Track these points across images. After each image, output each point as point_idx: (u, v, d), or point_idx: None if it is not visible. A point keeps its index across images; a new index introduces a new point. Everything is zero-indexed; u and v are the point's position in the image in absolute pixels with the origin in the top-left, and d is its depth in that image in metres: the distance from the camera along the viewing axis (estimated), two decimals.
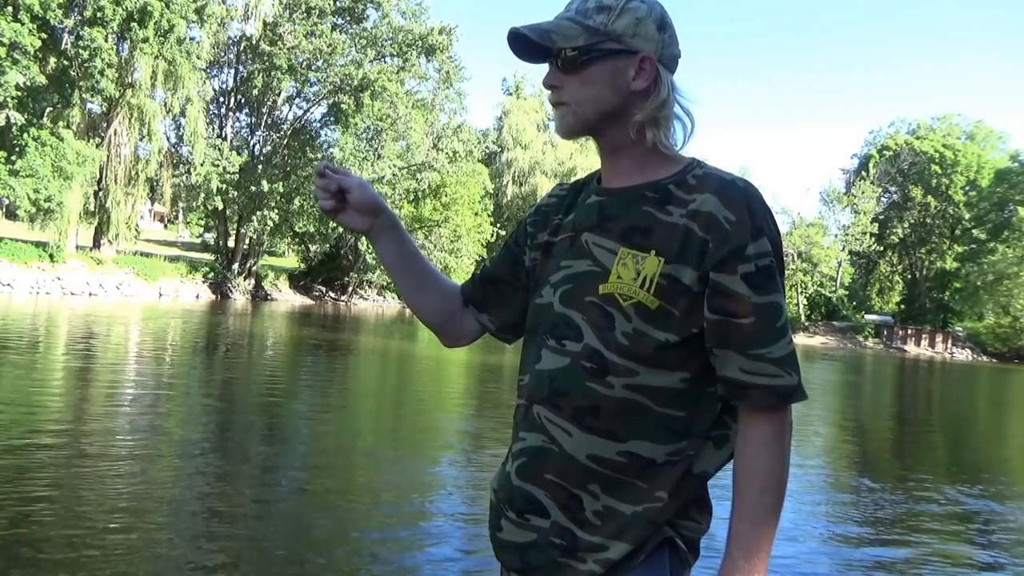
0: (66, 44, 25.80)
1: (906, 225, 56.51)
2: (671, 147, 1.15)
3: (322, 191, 1.27)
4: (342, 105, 33.67)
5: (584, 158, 48.20)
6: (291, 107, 37.02)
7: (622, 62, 1.12)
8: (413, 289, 1.35)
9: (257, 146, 36.06)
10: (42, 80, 24.73)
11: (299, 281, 39.75)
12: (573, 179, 1.34)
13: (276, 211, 33.96)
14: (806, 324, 49.78)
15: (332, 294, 40.18)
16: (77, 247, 28.10)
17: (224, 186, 32.02)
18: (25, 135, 24.64)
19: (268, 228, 34.24)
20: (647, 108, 1.12)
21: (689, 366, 1.09)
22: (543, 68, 1.18)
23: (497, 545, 1.20)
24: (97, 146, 27.71)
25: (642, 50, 1.11)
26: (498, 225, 46.60)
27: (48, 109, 26.45)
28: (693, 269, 1.06)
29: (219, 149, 32.22)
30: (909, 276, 58.55)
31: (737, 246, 1.04)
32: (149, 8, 25.34)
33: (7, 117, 24.06)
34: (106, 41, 25.31)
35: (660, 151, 1.14)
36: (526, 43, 1.14)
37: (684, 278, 1.06)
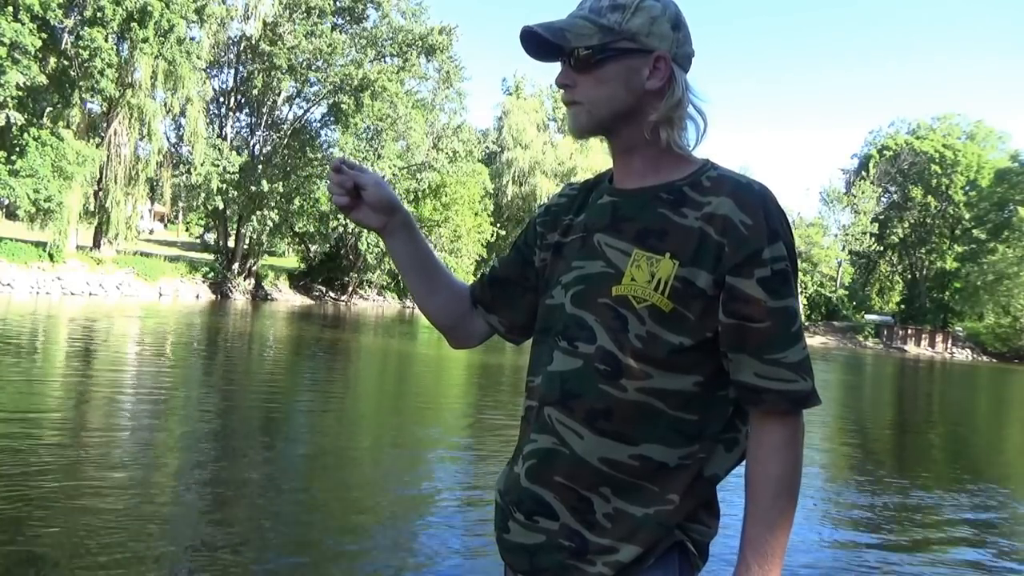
0: (66, 44, 25.80)
1: (906, 225, 56.53)
2: (685, 147, 1.14)
3: (337, 187, 1.25)
4: (342, 105, 33.66)
5: (584, 158, 48.15)
6: (291, 107, 37.07)
7: (636, 61, 1.10)
8: (425, 289, 1.34)
9: (257, 146, 36.05)
10: (42, 80, 24.73)
11: (299, 281, 39.73)
12: (574, 179, 1.33)
13: (276, 211, 33.96)
14: (806, 324, 49.74)
15: (332, 294, 40.16)
16: (77, 247, 28.09)
17: (224, 186, 32.01)
18: (25, 135, 24.64)
19: (268, 228, 34.24)
20: (662, 108, 1.11)
21: (702, 369, 1.08)
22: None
23: (504, 547, 1.19)
24: (97, 146, 27.69)
25: (657, 49, 1.10)
26: (498, 225, 46.60)
27: (48, 109, 26.45)
28: (708, 273, 1.05)
29: (219, 149, 32.21)
30: (909, 276, 58.57)
31: (754, 250, 1.04)
32: (149, 8, 25.33)
33: (7, 117, 24.06)
34: (106, 41, 25.31)
35: (674, 151, 1.13)
36: (539, 42, 1.13)
37: (699, 281, 1.05)
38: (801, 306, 1.09)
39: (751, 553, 1.05)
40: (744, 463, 1.13)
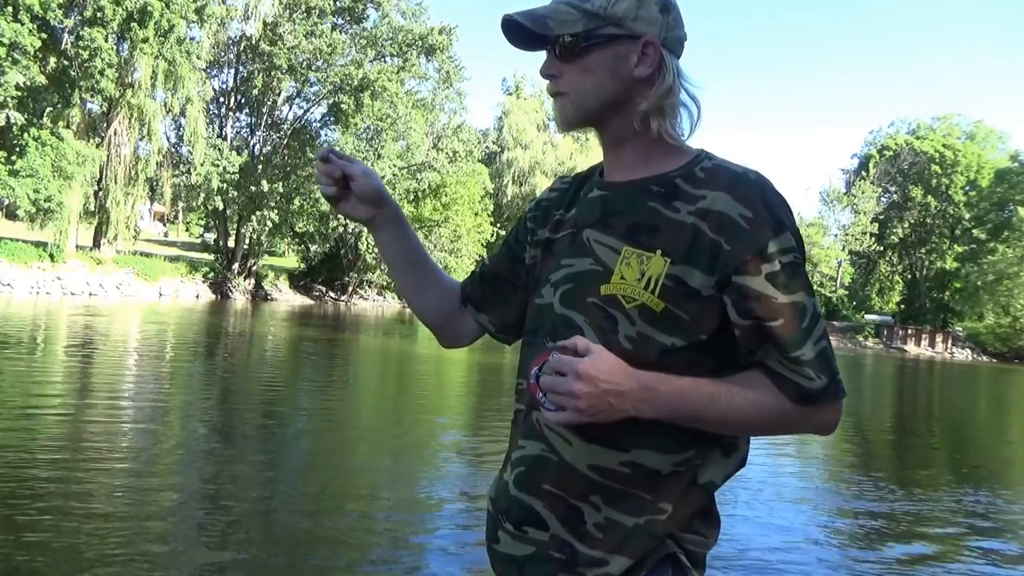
0: (66, 44, 25.80)
1: (906, 225, 56.51)
2: (677, 137, 1.08)
3: (325, 176, 1.22)
4: (342, 105, 33.66)
5: (584, 158, 48.18)
6: (291, 107, 37.09)
7: (623, 48, 1.04)
8: (413, 286, 1.30)
9: (257, 146, 36.06)
10: (42, 80, 24.73)
11: (299, 281, 39.74)
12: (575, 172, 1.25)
13: (276, 211, 33.95)
14: None
15: (332, 294, 40.16)
16: (77, 247, 28.09)
17: (224, 186, 32.02)
18: (25, 135, 24.64)
19: (268, 228, 34.23)
20: (652, 96, 1.05)
21: (697, 371, 1.01)
22: (539, 69, 1.11)
23: (494, 558, 1.14)
24: (97, 146, 27.69)
25: (645, 34, 1.04)
26: (498, 225, 46.61)
27: (48, 109, 26.45)
28: (703, 273, 0.99)
29: (219, 149, 32.21)
30: (909, 276, 58.54)
31: (759, 245, 0.97)
32: (149, 8, 25.33)
33: (7, 117, 24.05)
34: (106, 41, 25.31)
35: (666, 142, 1.07)
36: (522, 31, 1.07)
37: (692, 281, 0.99)
38: (814, 296, 1.02)
39: (663, 382, 0.98)
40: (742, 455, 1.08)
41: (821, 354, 0.99)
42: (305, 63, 33.48)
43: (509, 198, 50.07)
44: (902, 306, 57.36)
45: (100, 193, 28.46)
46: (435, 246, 40.63)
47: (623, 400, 0.97)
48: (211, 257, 36.11)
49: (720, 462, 1.06)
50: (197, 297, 30.14)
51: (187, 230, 57.67)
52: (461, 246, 42.04)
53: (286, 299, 36.43)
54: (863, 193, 55.11)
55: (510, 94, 54.65)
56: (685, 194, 1.03)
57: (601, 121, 1.10)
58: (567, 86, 1.08)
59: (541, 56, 1.11)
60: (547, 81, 1.10)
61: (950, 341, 49.34)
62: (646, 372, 0.99)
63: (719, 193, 1.00)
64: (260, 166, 34.42)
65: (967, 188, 53.70)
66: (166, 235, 55.43)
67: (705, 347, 1.01)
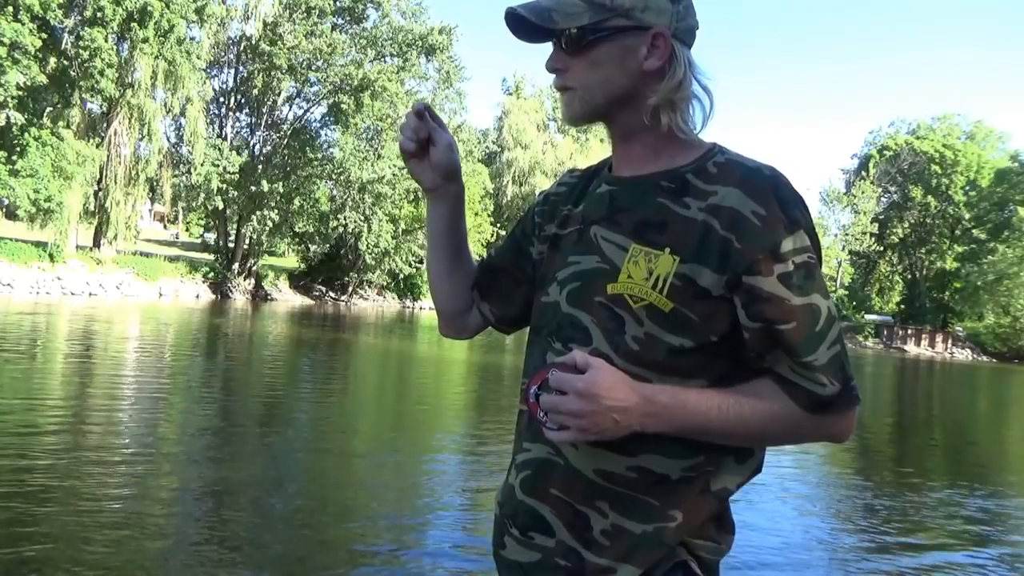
0: (66, 44, 25.81)
1: (906, 225, 56.56)
2: (689, 131, 1.04)
3: (411, 131, 1.19)
4: (342, 105, 33.68)
5: (584, 158, 48.19)
6: (291, 107, 37.11)
7: (632, 40, 1.00)
8: (445, 268, 1.28)
9: (257, 146, 36.07)
10: (42, 80, 24.72)
11: (299, 281, 39.71)
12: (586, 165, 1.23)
13: (276, 211, 33.97)
14: None
15: (332, 294, 40.13)
16: (77, 247, 28.08)
17: (224, 186, 32.02)
18: (25, 135, 24.63)
19: (268, 228, 34.24)
20: (662, 90, 1.00)
21: (706, 373, 0.98)
22: (544, 64, 1.08)
23: (500, 564, 1.12)
24: (97, 146, 27.69)
25: (654, 25, 0.99)
26: (498, 225, 46.66)
27: (48, 109, 26.45)
28: (714, 271, 0.95)
29: (219, 149, 32.22)
30: (909, 276, 58.59)
31: (771, 244, 0.93)
32: (149, 8, 25.34)
33: (7, 117, 24.05)
34: (106, 41, 25.31)
35: (676, 136, 1.03)
36: (526, 24, 1.03)
37: (701, 280, 0.95)
38: (830, 297, 0.98)
39: (668, 395, 0.96)
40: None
41: (835, 359, 0.96)
42: (305, 63, 33.50)
43: (509, 198, 50.07)
44: (902, 306, 57.42)
45: (100, 193, 28.45)
46: None
47: (627, 416, 0.94)
48: (211, 257, 36.09)
49: (734, 468, 1.03)
50: (197, 297, 30.13)
51: (187, 230, 57.67)
52: None
53: (286, 299, 36.41)
54: (863, 193, 55.18)
55: (510, 94, 54.66)
56: (696, 190, 0.99)
57: (609, 115, 1.06)
58: (574, 80, 1.04)
59: (544, 51, 1.07)
60: (552, 75, 1.07)
61: (950, 341, 49.40)
62: (649, 384, 0.96)
63: (731, 189, 0.97)
64: (260, 166, 34.42)
65: (967, 188, 53.78)
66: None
67: (715, 349, 0.98)
